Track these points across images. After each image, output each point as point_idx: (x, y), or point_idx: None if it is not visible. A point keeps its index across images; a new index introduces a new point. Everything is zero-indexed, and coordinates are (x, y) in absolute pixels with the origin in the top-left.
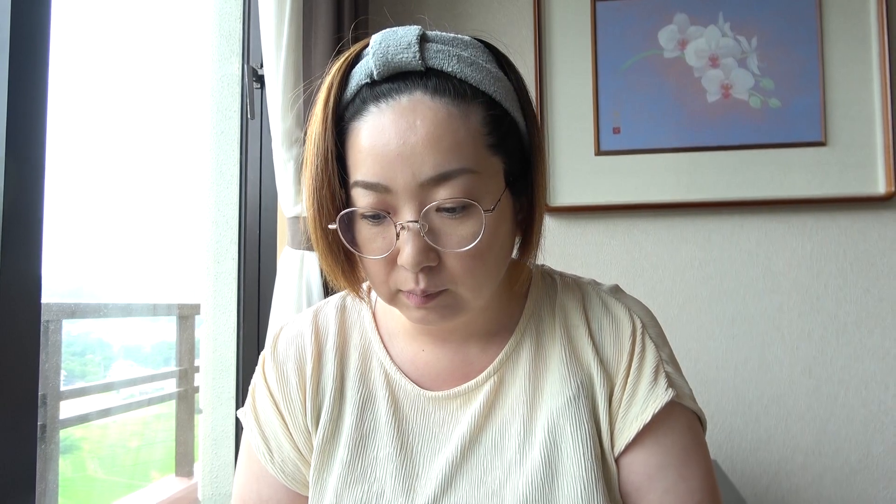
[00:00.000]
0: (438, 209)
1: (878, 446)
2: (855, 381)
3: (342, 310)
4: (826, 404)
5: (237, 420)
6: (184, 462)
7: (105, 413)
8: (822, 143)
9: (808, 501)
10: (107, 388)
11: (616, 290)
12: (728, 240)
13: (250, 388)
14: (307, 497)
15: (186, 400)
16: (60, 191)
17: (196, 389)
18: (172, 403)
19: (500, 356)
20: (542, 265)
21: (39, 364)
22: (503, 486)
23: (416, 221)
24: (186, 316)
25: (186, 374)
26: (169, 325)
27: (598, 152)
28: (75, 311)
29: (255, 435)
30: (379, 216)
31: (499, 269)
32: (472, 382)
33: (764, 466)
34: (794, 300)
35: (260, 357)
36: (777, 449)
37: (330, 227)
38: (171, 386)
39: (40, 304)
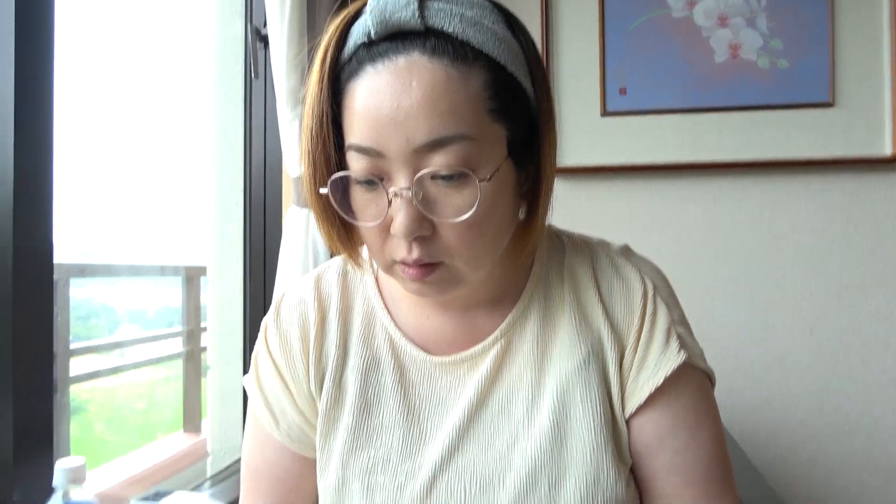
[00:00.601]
0: (433, 177)
1: (877, 405)
2: (857, 342)
3: (344, 275)
4: (827, 364)
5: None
6: (191, 419)
7: (115, 370)
8: (829, 104)
9: (807, 457)
10: (116, 345)
11: (626, 251)
12: (732, 201)
13: (253, 355)
14: (315, 460)
15: (193, 359)
16: (69, 157)
17: (203, 349)
18: (180, 363)
19: (507, 320)
20: (550, 225)
21: (54, 320)
22: (511, 449)
23: (409, 189)
24: (193, 277)
25: (193, 334)
26: (173, 291)
27: (605, 113)
28: (84, 271)
29: (259, 403)
30: (372, 182)
31: (498, 241)
32: (478, 347)
33: (764, 424)
34: (797, 261)
35: (262, 324)
36: (777, 407)
37: (321, 191)
38: (177, 346)
39: (52, 262)
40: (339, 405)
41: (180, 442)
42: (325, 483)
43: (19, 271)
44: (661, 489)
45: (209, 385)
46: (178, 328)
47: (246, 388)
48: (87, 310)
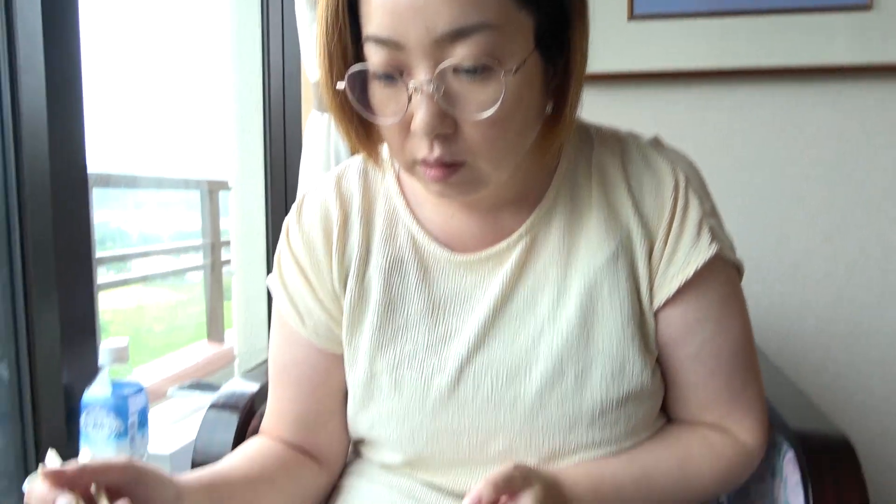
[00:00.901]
0: (455, 70)
1: (892, 313)
2: (876, 251)
3: (364, 174)
4: (844, 272)
5: None
6: (215, 329)
7: (141, 279)
8: (867, 7)
9: (817, 361)
10: (142, 255)
11: (657, 143)
12: (761, 108)
13: (276, 255)
14: (342, 356)
15: (215, 271)
16: (94, 72)
17: (224, 262)
18: (201, 274)
19: (532, 217)
20: (577, 118)
21: (90, 227)
22: (537, 343)
23: (430, 82)
24: (213, 191)
25: (214, 247)
26: (189, 214)
27: (632, 17)
28: (109, 181)
29: (284, 302)
30: (391, 76)
31: (523, 139)
32: (503, 244)
33: (775, 329)
34: (820, 170)
35: (284, 224)
36: (790, 312)
37: (338, 86)
38: (199, 260)
39: (86, 170)
40: (364, 303)
41: (205, 350)
42: (354, 377)
43: (57, 179)
44: (687, 378)
45: (234, 292)
46: (199, 241)
47: (270, 289)
48: (101, 234)
